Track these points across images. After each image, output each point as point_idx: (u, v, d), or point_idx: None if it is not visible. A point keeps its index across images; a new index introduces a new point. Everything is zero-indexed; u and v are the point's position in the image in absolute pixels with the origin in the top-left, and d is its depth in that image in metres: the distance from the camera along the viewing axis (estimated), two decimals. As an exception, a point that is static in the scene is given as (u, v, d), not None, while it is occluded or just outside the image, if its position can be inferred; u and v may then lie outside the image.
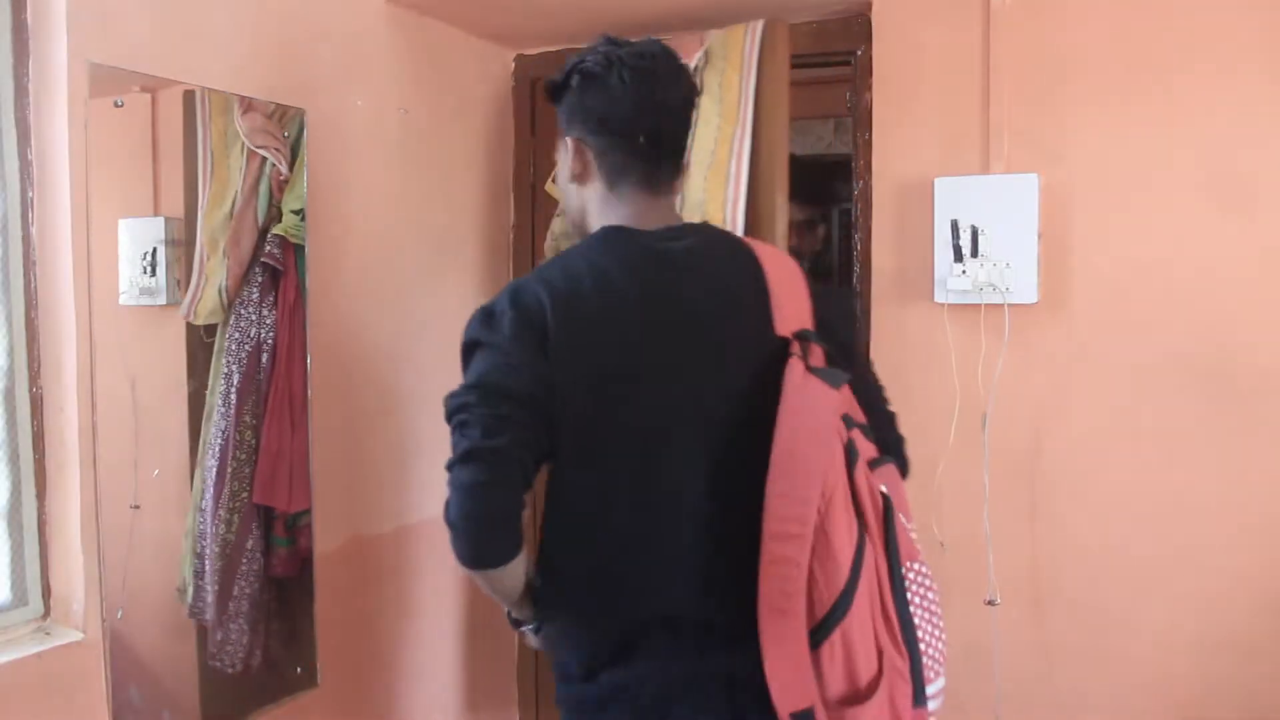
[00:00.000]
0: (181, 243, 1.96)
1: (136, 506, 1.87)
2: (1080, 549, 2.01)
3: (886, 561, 1.21)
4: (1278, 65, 1.85)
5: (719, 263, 1.33)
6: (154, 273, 1.92)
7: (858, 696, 1.15)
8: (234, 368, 2.12)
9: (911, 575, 1.26)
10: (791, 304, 1.31)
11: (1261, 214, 1.86)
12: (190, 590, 2.06)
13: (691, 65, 2.15)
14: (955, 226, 2.02)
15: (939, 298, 2.06)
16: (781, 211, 2.17)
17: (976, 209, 2.02)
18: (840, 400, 1.21)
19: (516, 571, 1.25)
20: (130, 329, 1.93)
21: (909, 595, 1.24)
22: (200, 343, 2.09)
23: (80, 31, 1.60)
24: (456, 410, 1.22)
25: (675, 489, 1.23)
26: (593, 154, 1.33)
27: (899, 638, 1.19)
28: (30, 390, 1.63)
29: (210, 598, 2.06)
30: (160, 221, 1.95)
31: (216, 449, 2.09)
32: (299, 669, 2.14)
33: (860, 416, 1.31)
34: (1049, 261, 2.00)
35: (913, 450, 2.06)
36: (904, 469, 1.40)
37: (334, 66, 2.15)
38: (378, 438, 2.31)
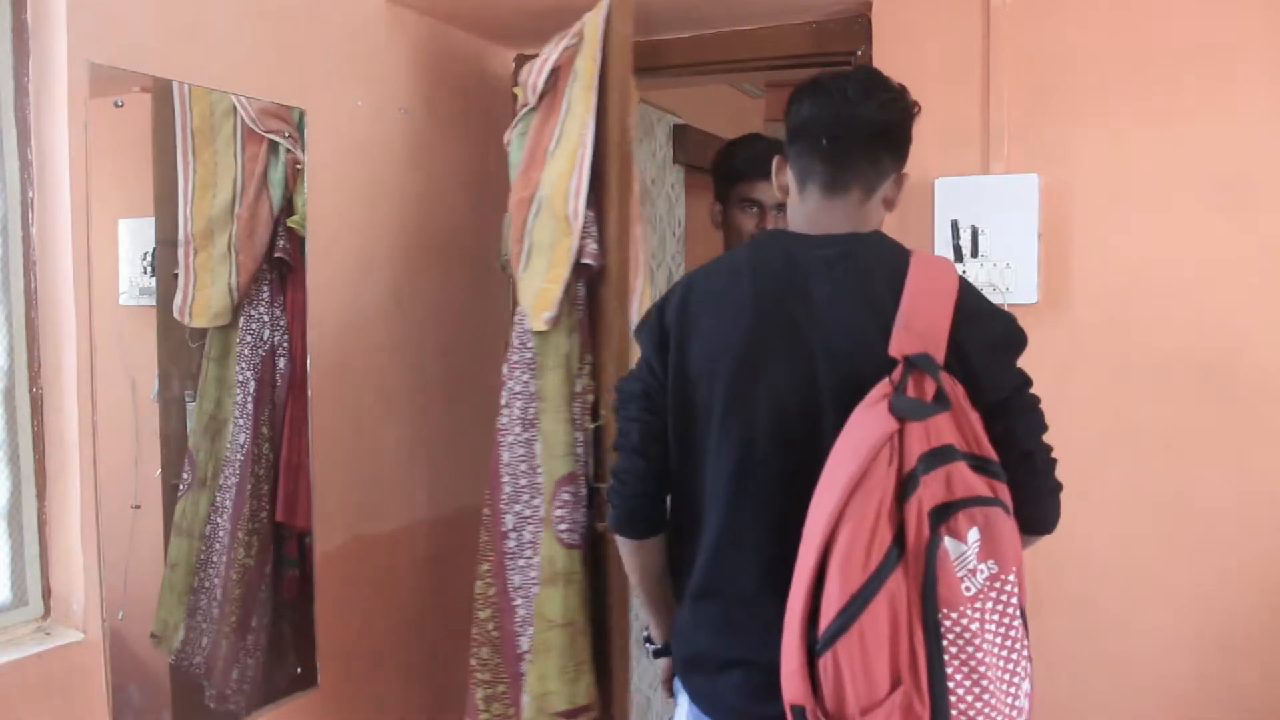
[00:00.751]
0: (172, 242, 1.93)
1: (137, 506, 1.87)
2: (1080, 549, 2.01)
3: (920, 600, 1.16)
4: (1278, 65, 1.85)
5: (857, 274, 1.31)
6: (154, 273, 1.92)
7: (831, 717, 1.16)
8: (249, 374, 2.01)
9: (952, 624, 1.16)
10: (924, 323, 1.25)
11: (1261, 214, 1.86)
12: (179, 634, 1.92)
13: (562, 47, 2.13)
14: (955, 226, 2.02)
15: (939, 298, 2.06)
16: (619, 200, 2.07)
17: (976, 209, 2.02)
18: (886, 428, 1.18)
19: (650, 548, 1.48)
20: (130, 329, 1.92)
21: (945, 644, 1.16)
22: (183, 347, 1.96)
23: (80, 31, 1.60)
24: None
25: (743, 489, 1.33)
26: (789, 163, 1.42)
27: (923, 683, 1.15)
28: (30, 390, 1.63)
29: (214, 637, 1.94)
30: (160, 221, 1.94)
31: (236, 465, 1.99)
32: (299, 669, 2.13)
33: (984, 450, 1.24)
34: (1049, 261, 2.00)
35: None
36: (1034, 520, 1.33)
37: (334, 66, 2.15)
38: (378, 437, 2.31)
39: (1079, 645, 2.01)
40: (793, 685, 1.17)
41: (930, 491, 1.18)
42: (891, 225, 2.15)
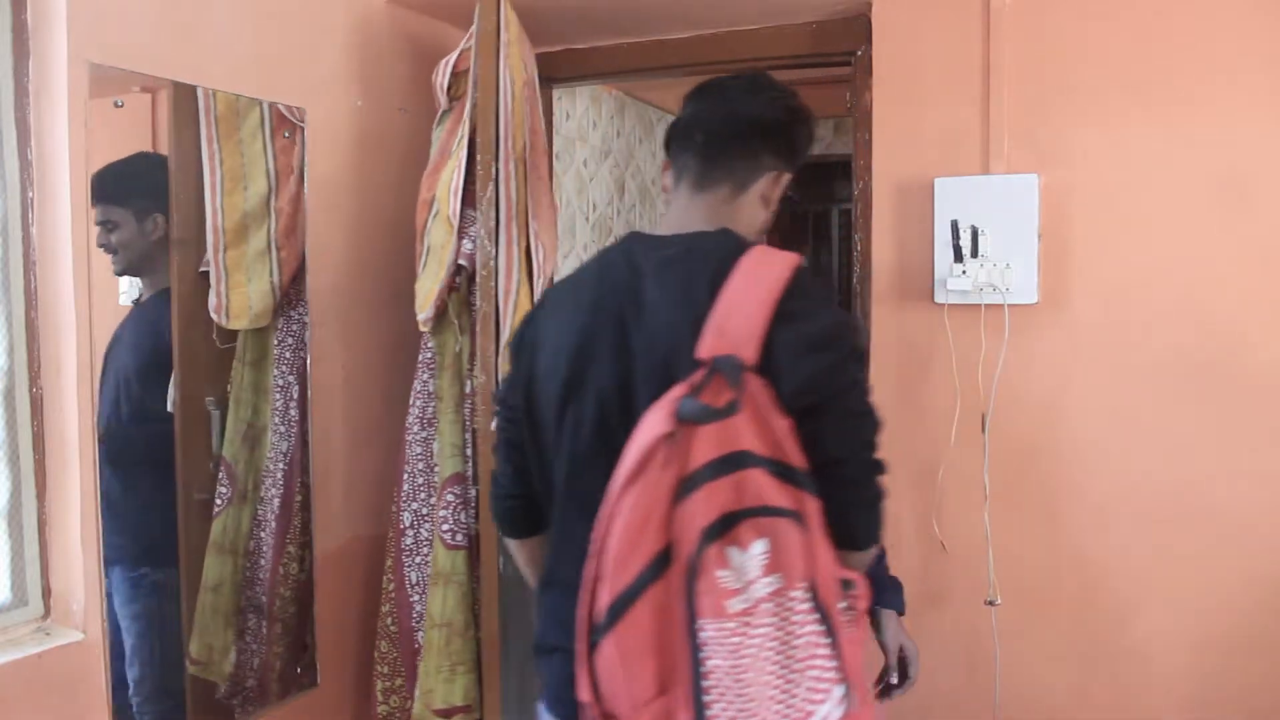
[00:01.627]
0: (186, 241, 1.92)
1: (136, 506, 1.87)
2: (1080, 549, 2.01)
3: (684, 609, 1.11)
4: (1278, 65, 1.85)
5: (685, 275, 1.27)
6: (155, 273, 1.92)
7: (610, 717, 1.15)
8: (291, 378, 1.99)
9: (714, 636, 1.09)
10: (736, 324, 1.19)
11: (1262, 214, 1.86)
12: (230, 657, 1.87)
13: (460, 49, 2.13)
14: (955, 227, 2.02)
15: (939, 298, 2.06)
16: (489, 200, 2.03)
17: (976, 209, 2.02)
18: (659, 430, 1.14)
19: (532, 545, 1.49)
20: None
21: (703, 655, 1.09)
22: (207, 351, 1.91)
23: (80, 31, 1.60)
24: None
25: (573, 489, 1.34)
26: (670, 164, 1.41)
27: (687, 693, 1.10)
28: (30, 390, 1.63)
29: (265, 657, 1.92)
30: (160, 221, 1.94)
31: (278, 476, 1.96)
32: (299, 669, 2.14)
33: (789, 457, 1.16)
34: (1049, 262, 2.00)
35: (913, 451, 2.06)
36: (841, 534, 1.19)
37: (334, 66, 2.15)
38: (377, 437, 2.31)
39: (1079, 645, 2.01)
40: (579, 680, 1.17)
41: (716, 498, 1.12)
42: (892, 226, 2.17)
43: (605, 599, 1.13)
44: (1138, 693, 1.97)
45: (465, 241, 2.06)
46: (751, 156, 1.36)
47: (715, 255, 1.27)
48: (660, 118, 3.24)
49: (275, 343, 1.99)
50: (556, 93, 2.83)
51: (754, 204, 1.37)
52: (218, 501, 1.92)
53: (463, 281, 2.09)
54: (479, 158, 2.04)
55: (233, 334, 1.97)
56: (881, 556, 1.58)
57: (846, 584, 1.17)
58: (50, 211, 1.62)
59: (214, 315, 1.93)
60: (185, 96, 1.86)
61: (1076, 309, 1.99)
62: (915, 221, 2.10)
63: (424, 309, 2.09)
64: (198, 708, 1.94)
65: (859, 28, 2.21)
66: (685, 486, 1.12)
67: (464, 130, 2.07)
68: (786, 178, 1.38)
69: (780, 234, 4.18)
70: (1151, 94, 1.93)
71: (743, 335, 1.18)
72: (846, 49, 2.25)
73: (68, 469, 1.64)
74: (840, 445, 1.20)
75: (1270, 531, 1.87)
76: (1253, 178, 1.87)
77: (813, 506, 1.15)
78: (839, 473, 1.19)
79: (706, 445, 1.13)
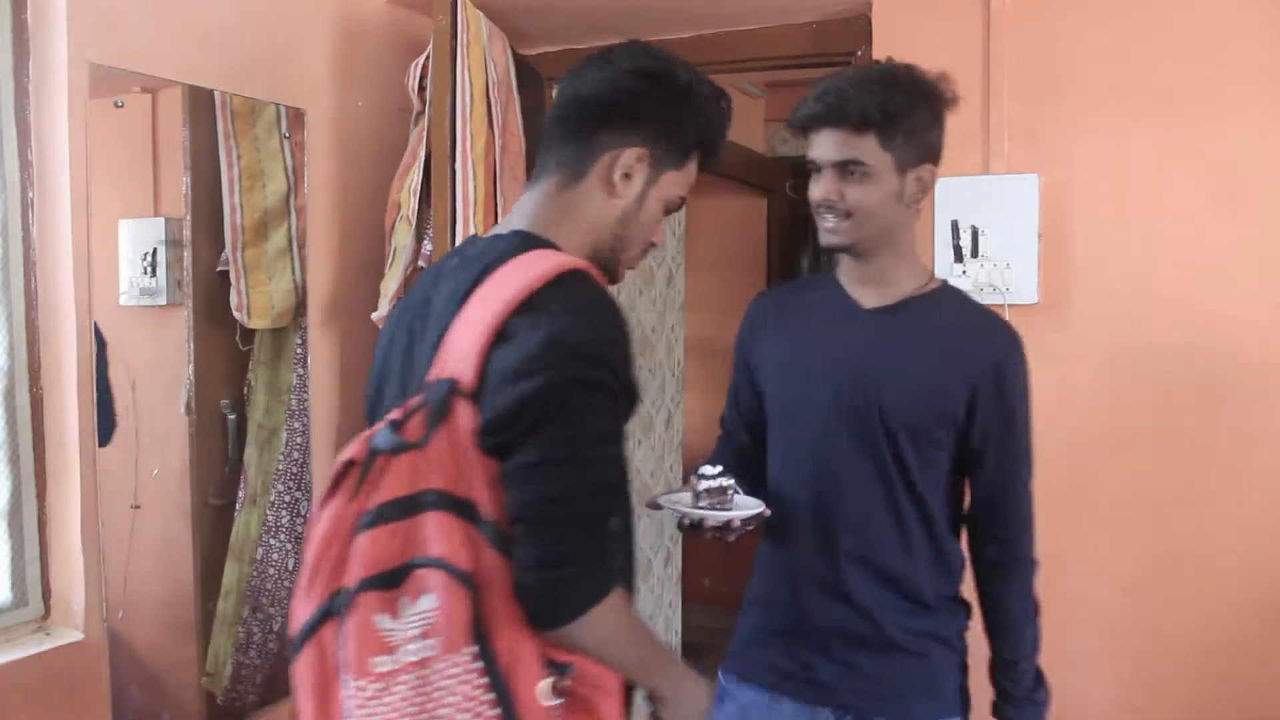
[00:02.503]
0: (182, 243, 1.93)
1: (136, 506, 1.87)
2: (1079, 549, 2.01)
3: (334, 660, 1.00)
4: (1277, 65, 1.85)
5: (452, 284, 1.11)
6: (154, 273, 1.92)
7: None
8: (306, 375, 1.98)
9: (358, 693, 0.97)
10: (461, 345, 1.03)
11: (1261, 214, 1.86)
12: (228, 670, 1.85)
13: (427, 52, 2.10)
14: (955, 226, 2.02)
15: (939, 298, 2.06)
16: (437, 200, 1.99)
17: (976, 209, 2.02)
18: (343, 458, 1.03)
19: None
20: (130, 329, 1.93)
21: (346, 714, 0.98)
22: (230, 352, 1.91)
23: (80, 31, 1.60)
24: None
25: None
26: None
27: None
28: (30, 390, 1.63)
29: (267, 673, 1.88)
30: (160, 222, 1.95)
31: (289, 478, 1.94)
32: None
33: (481, 505, 0.99)
34: (1049, 262, 2.00)
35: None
36: (524, 605, 0.98)
37: (334, 66, 2.15)
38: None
39: (1079, 645, 2.01)
40: None
41: (384, 542, 0.98)
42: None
43: (296, 623, 1.02)
44: (1137, 693, 1.97)
45: (425, 242, 2.04)
46: (585, 139, 1.17)
47: (482, 260, 1.10)
48: (660, 118, 3.24)
49: (296, 341, 1.97)
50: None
51: (597, 192, 1.17)
52: (236, 506, 1.91)
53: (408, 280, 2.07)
54: (432, 158, 2.01)
55: (251, 335, 1.97)
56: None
57: (558, 666, 0.99)
58: (50, 211, 1.62)
59: (235, 314, 1.92)
60: (199, 93, 1.86)
61: (1076, 309, 1.99)
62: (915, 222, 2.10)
63: (382, 308, 2.08)
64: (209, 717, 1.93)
65: (859, 28, 2.21)
66: (362, 523, 0.99)
67: (425, 131, 2.07)
68: (640, 152, 1.16)
69: (782, 235, 4.16)
70: (1151, 94, 1.93)
71: (463, 356, 1.02)
72: (846, 49, 2.25)
73: (68, 469, 1.64)
74: (518, 498, 0.98)
75: (1271, 532, 1.87)
76: (1252, 177, 1.86)
77: (496, 566, 0.97)
78: (521, 533, 0.98)
79: (395, 480, 0.99)
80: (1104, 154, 1.96)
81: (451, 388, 1.01)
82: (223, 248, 1.95)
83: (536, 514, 0.98)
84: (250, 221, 1.93)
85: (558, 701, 1.00)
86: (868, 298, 1.44)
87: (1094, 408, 1.98)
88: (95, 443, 1.65)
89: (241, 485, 1.95)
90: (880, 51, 2.15)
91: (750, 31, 2.37)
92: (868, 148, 1.35)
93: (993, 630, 1.47)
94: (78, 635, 1.62)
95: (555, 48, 2.57)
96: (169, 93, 1.89)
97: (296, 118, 2.00)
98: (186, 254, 1.91)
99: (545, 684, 0.98)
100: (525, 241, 1.12)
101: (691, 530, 1.38)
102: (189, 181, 1.91)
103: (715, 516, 1.35)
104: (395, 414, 1.02)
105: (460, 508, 0.98)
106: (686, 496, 1.38)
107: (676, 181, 1.21)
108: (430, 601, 0.95)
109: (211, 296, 1.95)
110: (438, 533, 0.97)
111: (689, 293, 3.48)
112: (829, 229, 1.40)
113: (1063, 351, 2.00)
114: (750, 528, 1.40)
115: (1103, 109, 1.96)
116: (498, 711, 0.96)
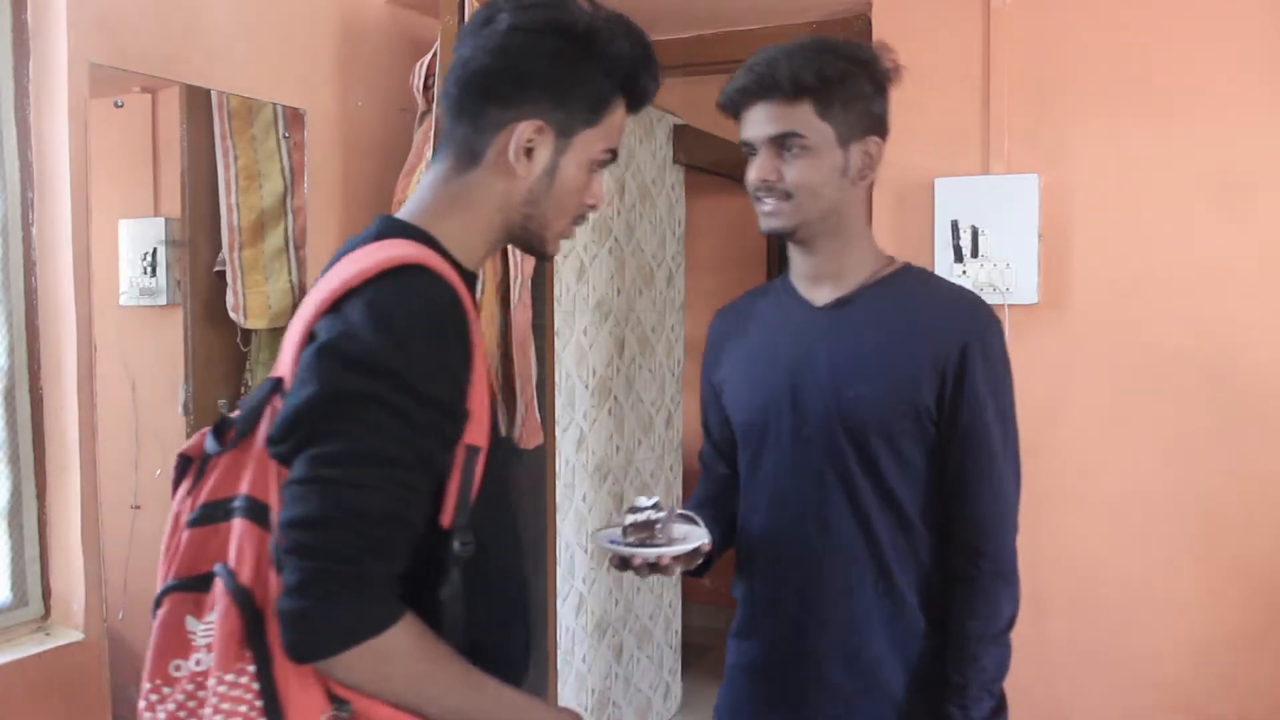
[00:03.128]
0: (183, 243, 1.94)
1: (136, 506, 1.87)
2: (1080, 549, 2.01)
3: None
4: (1277, 65, 1.85)
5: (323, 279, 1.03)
6: (154, 273, 1.92)
7: None
8: None
9: (158, 700, 0.94)
10: (289, 342, 0.97)
11: (1261, 214, 1.86)
12: None
13: (432, 51, 2.08)
14: (955, 226, 2.02)
15: (939, 298, 2.06)
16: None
17: (976, 209, 2.02)
18: (178, 452, 1.02)
19: None
20: (130, 329, 1.93)
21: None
22: (228, 352, 1.92)
23: (80, 31, 1.60)
24: None
25: None
26: None
27: None
28: (30, 390, 1.63)
29: None
30: (160, 222, 1.95)
31: None
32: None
33: (269, 498, 0.93)
34: (1049, 262, 2.00)
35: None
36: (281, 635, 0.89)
37: (334, 66, 2.15)
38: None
39: (1079, 645, 2.01)
40: None
41: (193, 546, 0.95)
42: (892, 225, 2.17)
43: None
44: (1137, 692, 1.97)
45: None
46: (472, 115, 1.05)
47: (341, 251, 1.04)
48: (660, 118, 3.24)
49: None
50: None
51: (497, 175, 1.05)
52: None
53: None
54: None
55: (249, 336, 1.97)
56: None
57: (337, 700, 0.90)
58: (50, 211, 1.62)
59: (232, 314, 1.93)
60: (196, 92, 1.86)
61: (1076, 309, 1.99)
62: (915, 221, 2.10)
63: None
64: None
65: (859, 28, 2.21)
66: (189, 519, 0.97)
67: (431, 131, 2.06)
68: (537, 124, 1.02)
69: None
70: (1151, 94, 1.93)
71: (287, 355, 0.96)
72: (846, 49, 2.25)
73: (68, 469, 1.64)
74: (281, 517, 0.89)
75: (1271, 532, 1.87)
76: (1252, 177, 1.87)
77: (274, 583, 0.89)
78: (278, 553, 0.89)
79: (218, 481, 0.96)
80: (1104, 154, 1.96)
81: (274, 387, 0.95)
82: (220, 248, 1.96)
83: (291, 539, 0.88)
84: (247, 222, 1.93)
85: None
86: (820, 294, 1.31)
87: (1094, 408, 1.99)
88: (95, 443, 1.65)
89: (237, 485, 1.96)
90: (880, 51, 2.15)
91: (750, 31, 2.37)
92: (804, 118, 1.22)
93: (949, 647, 1.27)
94: (78, 635, 1.62)
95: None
96: (169, 93, 1.89)
97: (295, 118, 2.00)
98: (185, 254, 1.92)
99: (323, 718, 0.91)
100: (383, 230, 1.03)
101: (622, 568, 1.28)
102: (187, 182, 1.91)
103: (642, 553, 1.25)
104: (236, 413, 0.98)
105: (262, 516, 0.92)
106: (618, 532, 1.28)
107: (596, 139, 1.07)
108: (217, 613, 0.91)
109: (210, 297, 1.95)
110: (235, 541, 0.92)
111: (689, 293, 3.48)
112: (768, 212, 1.26)
113: (1063, 351, 2.00)
114: (698, 562, 1.31)
115: (1103, 109, 1.96)
116: None
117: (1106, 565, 1.99)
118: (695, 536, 1.28)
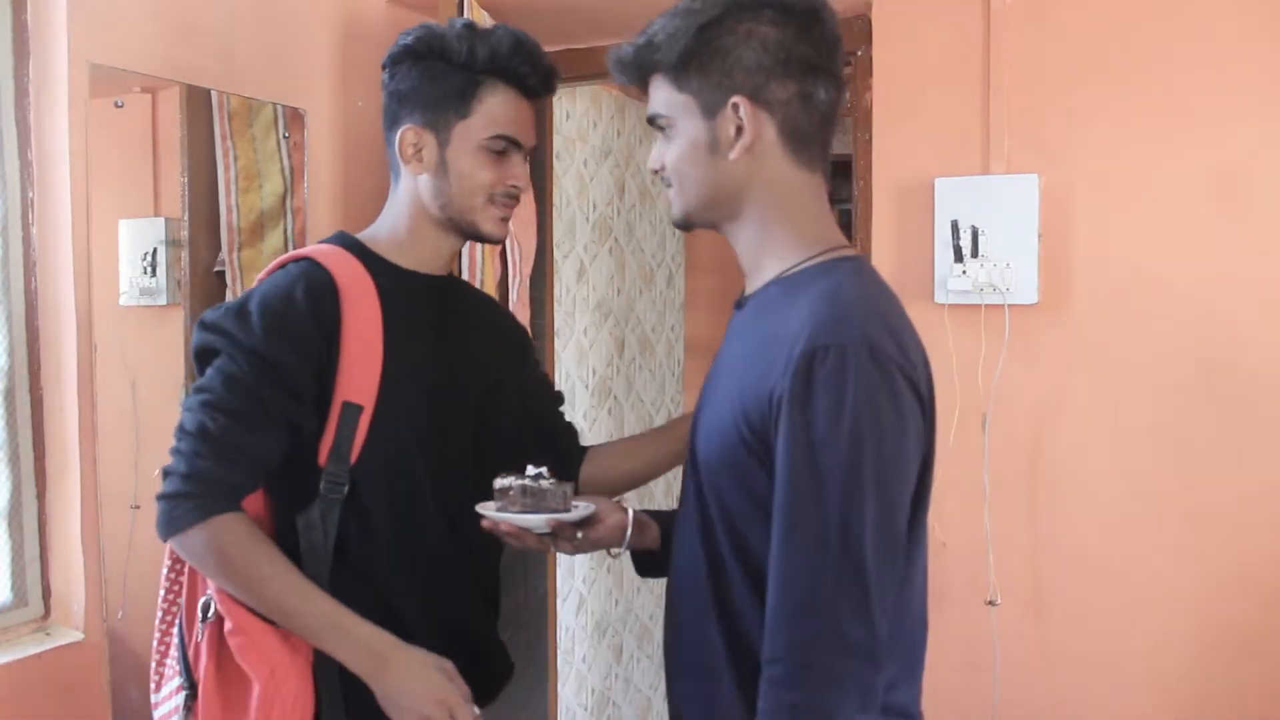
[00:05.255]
0: (182, 243, 1.94)
1: (136, 506, 1.86)
2: (1080, 549, 2.01)
3: None
4: (1277, 65, 1.85)
5: None
6: (154, 273, 1.92)
7: None
8: None
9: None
10: None
11: (1261, 214, 1.86)
12: None
13: None
14: (955, 226, 2.02)
15: (939, 298, 2.06)
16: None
17: (976, 209, 2.01)
18: None
19: None
20: (130, 329, 1.92)
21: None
22: None
23: (80, 32, 1.60)
24: None
25: None
26: None
27: None
28: (30, 390, 1.63)
29: None
30: (160, 222, 1.95)
31: None
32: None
33: None
34: (1049, 262, 2.00)
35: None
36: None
37: (334, 66, 2.15)
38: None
39: (1079, 645, 2.01)
40: None
41: None
42: (892, 225, 2.17)
43: None
44: (1137, 693, 1.97)
45: None
46: (386, 140, 1.35)
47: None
48: (660, 118, 3.24)
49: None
50: (557, 92, 2.83)
51: (407, 180, 1.34)
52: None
53: None
54: None
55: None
56: None
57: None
58: (50, 211, 1.62)
59: None
60: (196, 92, 1.86)
61: (1076, 309, 1.99)
62: (915, 221, 2.10)
63: None
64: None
65: (859, 28, 2.21)
66: None
67: None
68: (407, 128, 1.29)
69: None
70: (1152, 94, 1.93)
71: None
72: (847, 49, 2.24)
73: (68, 469, 1.64)
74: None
75: (1271, 532, 1.86)
76: (1253, 177, 1.86)
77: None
78: None
79: None
80: (1104, 154, 1.96)
81: None
82: (220, 248, 1.96)
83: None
84: (247, 222, 1.93)
85: (211, 612, 1.21)
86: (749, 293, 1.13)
87: (1094, 408, 1.98)
88: (95, 443, 1.65)
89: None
90: (881, 51, 2.15)
91: (750, 31, 2.37)
92: (662, 96, 1.10)
93: None
94: (78, 635, 1.62)
95: (559, 48, 2.57)
96: (169, 93, 1.89)
97: (295, 118, 2.00)
98: (185, 254, 1.92)
99: (202, 600, 1.23)
100: (331, 237, 1.37)
101: (506, 539, 1.23)
102: (186, 182, 1.91)
103: (512, 520, 1.19)
104: None
105: None
106: (511, 494, 1.21)
107: (475, 127, 1.28)
108: None
109: (210, 297, 1.95)
110: None
111: (689, 293, 3.48)
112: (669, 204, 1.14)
113: (1063, 351, 2.00)
114: (620, 547, 1.25)
115: (1103, 109, 1.96)
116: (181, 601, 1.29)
117: (1106, 565, 1.99)
118: (585, 509, 1.23)
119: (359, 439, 1.22)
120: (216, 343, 1.21)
